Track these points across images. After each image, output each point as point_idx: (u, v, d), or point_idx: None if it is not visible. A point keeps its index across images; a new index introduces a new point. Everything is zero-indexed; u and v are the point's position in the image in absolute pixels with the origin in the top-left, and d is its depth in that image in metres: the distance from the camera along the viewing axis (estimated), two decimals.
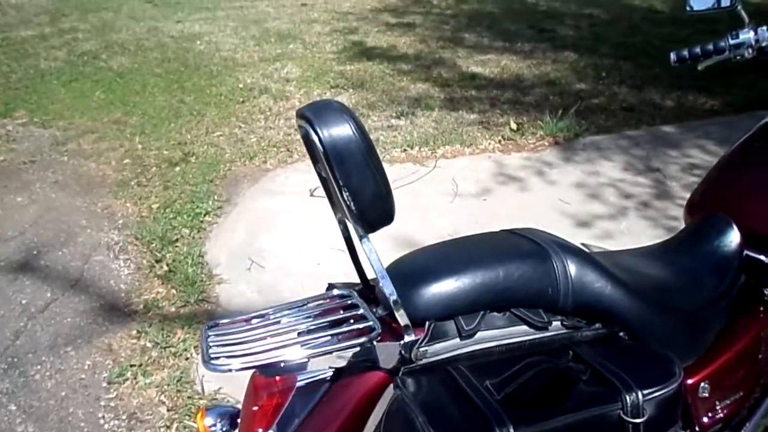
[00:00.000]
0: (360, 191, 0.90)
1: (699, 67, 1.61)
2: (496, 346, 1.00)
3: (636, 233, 2.99)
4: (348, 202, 0.90)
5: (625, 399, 0.90)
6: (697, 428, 1.22)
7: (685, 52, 1.57)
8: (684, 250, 1.31)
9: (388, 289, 0.93)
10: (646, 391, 0.92)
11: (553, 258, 1.04)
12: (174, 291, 2.60)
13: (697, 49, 1.55)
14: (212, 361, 0.91)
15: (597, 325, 1.07)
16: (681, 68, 1.69)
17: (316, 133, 0.89)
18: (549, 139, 4.04)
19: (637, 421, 0.90)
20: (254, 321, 1.03)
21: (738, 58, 1.52)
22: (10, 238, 3.08)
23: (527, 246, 1.08)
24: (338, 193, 0.91)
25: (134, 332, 2.37)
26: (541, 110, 4.42)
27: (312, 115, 0.91)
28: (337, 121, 0.89)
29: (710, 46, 1.53)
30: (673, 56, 1.60)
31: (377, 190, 0.90)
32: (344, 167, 0.89)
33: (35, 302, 2.59)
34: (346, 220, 1.09)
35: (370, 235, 0.94)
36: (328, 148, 0.89)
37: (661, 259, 1.28)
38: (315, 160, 1.02)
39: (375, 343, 0.95)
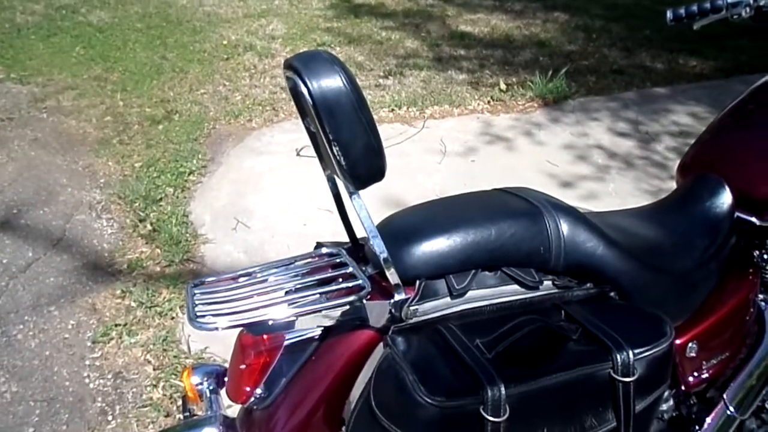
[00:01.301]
0: (350, 145, 0.86)
1: (695, 27, 1.58)
2: (487, 305, 0.98)
3: (623, 195, 2.99)
4: (338, 157, 0.87)
5: (616, 358, 0.90)
6: (682, 387, 1.23)
7: (682, 10, 1.54)
8: (676, 211, 1.30)
9: (379, 247, 0.91)
10: (637, 350, 0.91)
11: (545, 217, 1.02)
12: (158, 250, 2.57)
13: (694, 7, 1.52)
14: (198, 319, 0.88)
15: (588, 285, 1.06)
16: (672, 31, 1.67)
17: (305, 84, 0.85)
18: (538, 101, 4.00)
19: (628, 379, 0.89)
20: (241, 279, 1.00)
21: (735, 17, 1.49)
22: None
23: (520, 205, 1.06)
24: (328, 147, 0.88)
25: (118, 292, 2.35)
26: (531, 71, 4.37)
27: (300, 65, 0.87)
28: (327, 72, 0.85)
29: (707, 4, 1.50)
30: (669, 14, 1.56)
31: (368, 144, 0.87)
32: (334, 120, 0.85)
33: (16, 261, 2.55)
34: (336, 177, 1.05)
35: (360, 192, 0.92)
36: (318, 100, 0.85)
37: (652, 220, 1.27)
38: (303, 114, 0.98)
39: (364, 301, 0.93)
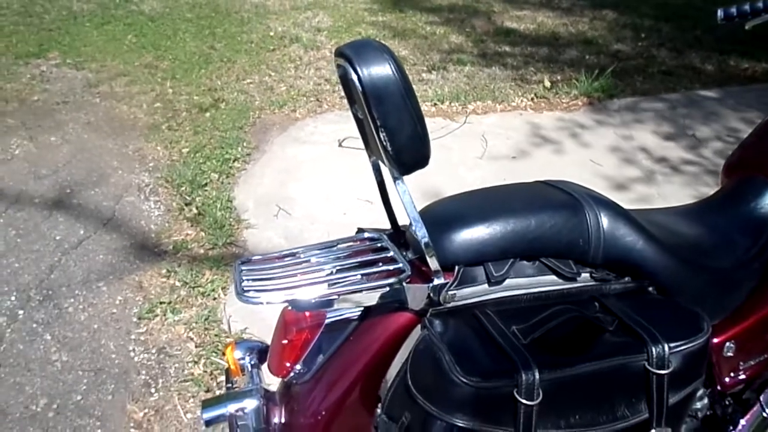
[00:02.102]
0: (397, 132, 0.89)
1: (747, 27, 1.56)
2: (524, 293, 1.00)
3: (668, 199, 2.94)
4: (384, 143, 0.90)
5: (651, 350, 0.91)
6: (718, 387, 1.22)
7: (733, 10, 1.52)
8: (719, 211, 1.29)
9: (420, 231, 0.93)
10: (672, 344, 0.92)
11: (586, 210, 1.03)
12: (203, 233, 2.65)
13: (746, 7, 1.49)
14: (245, 294, 0.93)
15: (626, 279, 1.06)
16: (723, 32, 1.65)
17: (355, 71, 0.88)
18: (583, 99, 3.96)
19: (662, 372, 0.90)
20: (286, 259, 1.05)
21: None
22: (44, 176, 3.15)
23: (561, 197, 1.07)
24: (375, 133, 0.91)
25: (164, 271, 2.43)
26: (577, 69, 4.33)
27: (351, 53, 0.90)
28: (377, 60, 0.88)
29: (759, 4, 1.48)
30: (720, 13, 1.54)
31: (414, 131, 0.90)
32: (382, 107, 0.88)
33: (69, 239, 2.66)
34: (381, 163, 1.09)
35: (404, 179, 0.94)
36: (367, 87, 0.88)
37: (695, 219, 1.26)
38: (352, 101, 1.02)
39: (404, 284, 0.96)
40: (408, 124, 0.90)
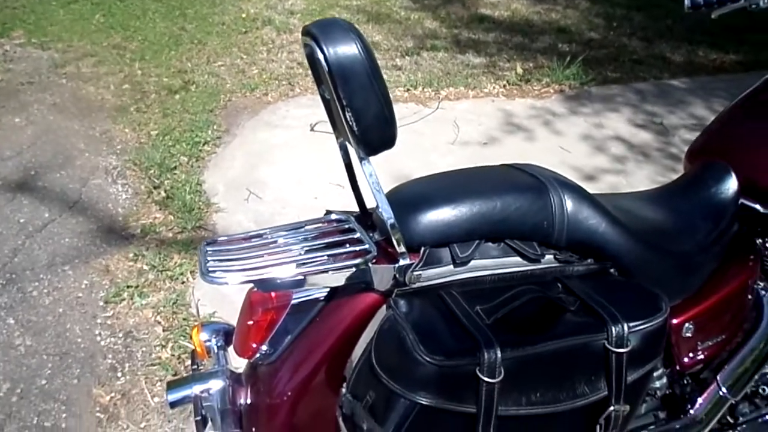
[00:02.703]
0: (363, 112, 0.89)
1: (713, 15, 1.58)
2: (489, 275, 1.01)
3: (635, 185, 2.99)
4: (350, 123, 0.90)
5: (611, 329, 0.93)
6: (677, 367, 1.25)
7: None
8: (681, 195, 1.32)
9: (386, 212, 0.94)
10: (632, 324, 0.94)
11: (550, 192, 1.05)
12: (171, 217, 2.61)
13: None
14: (210, 274, 0.92)
15: (589, 260, 1.08)
16: (693, 22, 1.67)
17: (322, 50, 0.87)
18: (555, 87, 4.00)
19: (621, 350, 0.92)
20: (252, 240, 1.04)
21: (753, 6, 1.49)
22: (7, 157, 3.07)
23: (526, 179, 1.08)
24: (341, 114, 0.91)
25: (131, 255, 2.40)
26: (549, 57, 4.36)
27: (318, 32, 0.89)
28: (344, 39, 0.88)
29: None
30: (687, 2, 1.56)
31: (380, 111, 0.90)
32: (348, 87, 0.88)
33: (33, 222, 2.61)
34: (348, 144, 1.08)
35: (372, 162, 0.94)
36: (333, 66, 0.87)
37: (657, 203, 1.29)
38: (319, 81, 1.01)
39: (370, 265, 0.97)
40: (374, 105, 0.89)
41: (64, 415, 1.78)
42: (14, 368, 1.91)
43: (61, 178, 2.93)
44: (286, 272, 0.94)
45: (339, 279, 0.99)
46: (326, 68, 0.88)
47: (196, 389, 1.09)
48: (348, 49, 0.88)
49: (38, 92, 3.79)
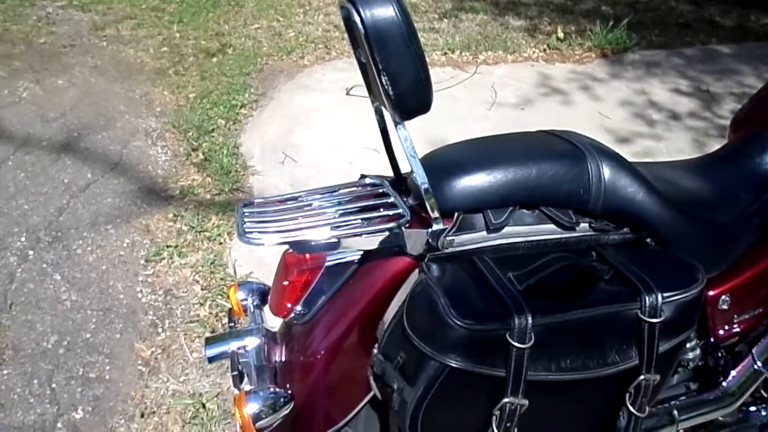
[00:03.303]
0: (399, 76, 0.88)
1: None
2: (522, 241, 1.01)
3: (673, 154, 2.92)
4: (386, 87, 0.89)
5: (644, 299, 0.92)
6: (711, 339, 1.24)
7: None
8: (723, 165, 1.28)
9: (421, 177, 0.94)
10: (666, 294, 0.93)
11: (588, 159, 1.03)
12: (209, 179, 2.66)
13: None
14: (246, 235, 0.94)
15: (625, 229, 1.07)
16: None
17: (358, 13, 0.87)
18: (596, 51, 3.89)
19: (654, 320, 0.92)
20: (287, 202, 1.06)
21: None
22: (52, 119, 3.15)
23: (563, 146, 1.06)
24: (377, 77, 0.90)
25: (171, 215, 2.46)
26: (592, 20, 4.23)
27: None
28: (381, 2, 0.87)
29: None
30: None
31: (417, 75, 0.89)
32: (385, 50, 0.87)
33: (77, 181, 2.68)
34: (383, 108, 1.08)
35: (407, 126, 0.94)
36: (370, 29, 0.87)
37: (698, 172, 1.26)
38: (355, 44, 1.00)
39: (403, 229, 0.97)
40: (410, 69, 0.89)
41: (107, 367, 1.86)
42: (61, 322, 2.00)
43: (102, 139, 2.99)
44: (320, 234, 0.95)
45: (372, 242, 1.01)
46: (362, 31, 0.87)
47: (233, 346, 1.12)
48: (385, 12, 0.87)
49: (80, 55, 3.85)
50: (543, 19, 4.37)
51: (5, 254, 2.26)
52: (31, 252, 2.28)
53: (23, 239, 2.34)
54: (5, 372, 1.83)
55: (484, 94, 3.37)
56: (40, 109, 3.23)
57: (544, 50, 3.91)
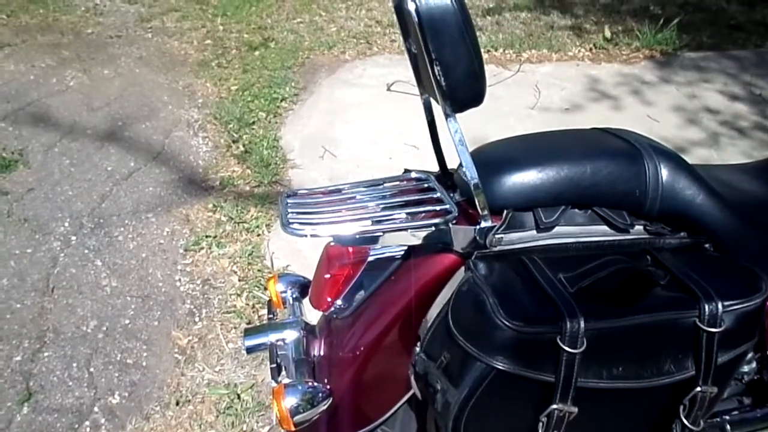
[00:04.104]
0: (452, 66, 0.85)
1: None
2: (573, 242, 0.97)
3: (728, 161, 2.81)
4: (438, 78, 0.86)
5: (704, 307, 0.87)
6: None
7: None
8: None
9: (471, 172, 0.91)
10: (726, 302, 0.88)
11: (645, 159, 0.99)
12: (249, 171, 2.67)
13: None
14: (290, 226, 0.93)
15: (682, 233, 1.02)
16: None
17: (413, 0, 0.84)
18: (645, 52, 3.78)
19: (714, 330, 0.87)
20: (331, 194, 1.04)
21: None
22: (97, 108, 3.21)
23: (619, 144, 1.02)
24: (429, 68, 0.88)
25: (210, 206, 2.47)
26: (640, 20, 4.12)
27: None
28: None
29: None
30: None
31: (471, 66, 0.86)
32: (439, 40, 0.84)
33: (120, 170, 2.72)
34: (431, 101, 1.06)
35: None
36: (424, 18, 0.84)
37: (760, 176, 1.20)
38: (407, 34, 0.98)
39: (450, 225, 0.95)
40: (464, 59, 0.86)
41: (145, 354, 1.87)
42: (101, 307, 2.02)
43: (145, 129, 3.03)
44: (365, 228, 0.93)
45: (417, 238, 0.98)
46: (416, 20, 0.85)
47: (272, 337, 1.11)
48: (439, 0, 0.84)
49: (125, 45, 3.92)
50: (589, 18, 4.27)
51: (49, 239, 2.30)
52: (73, 237, 2.32)
53: (66, 224, 2.38)
54: (46, 354, 1.86)
55: (527, 93, 3.31)
56: (86, 97, 3.29)
57: (590, 50, 3.82)
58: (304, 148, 2.85)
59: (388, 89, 3.26)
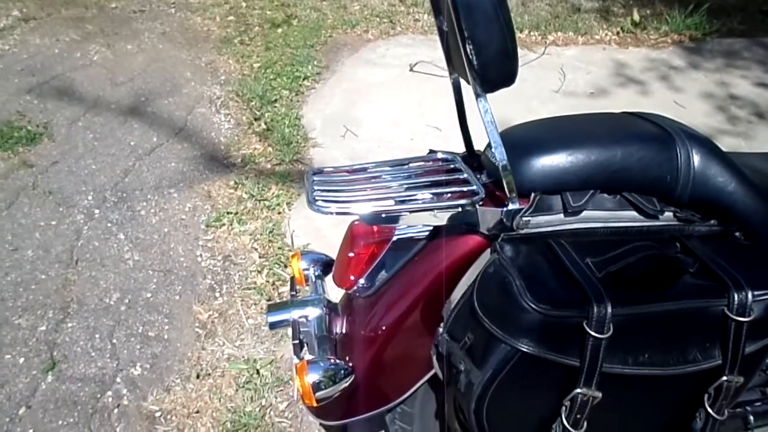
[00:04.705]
0: (485, 45, 0.84)
1: None
2: (602, 227, 0.96)
3: (754, 149, 2.76)
4: (470, 57, 0.85)
5: (733, 296, 0.86)
6: None
7: None
8: None
9: (500, 153, 0.90)
10: (756, 292, 0.87)
11: (677, 144, 0.97)
12: (270, 149, 2.67)
13: None
14: (316, 203, 0.93)
15: (712, 221, 1.00)
16: None
17: None
18: (673, 37, 3.71)
19: (743, 319, 0.86)
20: (356, 173, 1.04)
21: None
22: (121, 83, 3.22)
23: (651, 129, 1.00)
24: (461, 46, 0.86)
25: (232, 183, 2.48)
26: (669, 4, 4.03)
27: None
28: None
29: None
30: None
31: (504, 45, 0.85)
32: (471, 17, 0.83)
33: (142, 145, 2.74)
34: (462, 80, 1.04)
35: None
36: None
37: None
38: (438, 11, 0.97)
39: (477, 207, 0.94)
40: (497, 38, 0.84)
41: (166, 327, 1.90)
42: (123, 280, 2.05)
43: (168, 105, 3.04)
44: (390, 208, 0.93)
45: (443, 218, 0.98)
46: None
47: (294, 314, 1.12)
48: None
49: (149, 21, 3.92)
50: (617, 1, 4.19)
51: (73, 212, 2.33)
52: (97, 211, 2.34)
53: (90, 198, 2.40)
54: (70, 325, 1.89)
55: (552, 76, 3.26)
56: (110, 72, 3.30)
57: (618, 33, 3.75)
58: (325, 127, 2.84)
59: (411, 70, 3.24)
